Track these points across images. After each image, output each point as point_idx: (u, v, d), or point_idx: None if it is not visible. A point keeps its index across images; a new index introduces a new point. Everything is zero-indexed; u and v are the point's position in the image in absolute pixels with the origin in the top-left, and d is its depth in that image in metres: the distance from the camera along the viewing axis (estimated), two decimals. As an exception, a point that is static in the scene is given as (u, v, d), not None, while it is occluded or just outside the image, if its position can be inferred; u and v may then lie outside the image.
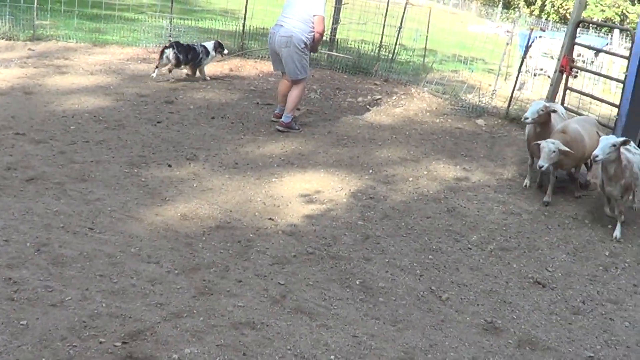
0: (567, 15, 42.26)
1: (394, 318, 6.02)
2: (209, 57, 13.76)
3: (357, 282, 6.56)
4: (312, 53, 11.59)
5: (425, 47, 18.28)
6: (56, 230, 6.78)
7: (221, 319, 5.60)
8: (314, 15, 10.83)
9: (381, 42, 16.69)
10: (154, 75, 13.27)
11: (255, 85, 14.01)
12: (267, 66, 15.66)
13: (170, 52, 13.09)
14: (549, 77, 15.93)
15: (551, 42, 19.25)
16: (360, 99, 13.68)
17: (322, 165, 9.71)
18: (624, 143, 8.14)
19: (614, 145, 7.98)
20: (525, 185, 9.67)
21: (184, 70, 13.69)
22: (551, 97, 12.77)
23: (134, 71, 14.06)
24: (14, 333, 5.02)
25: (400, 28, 16.61)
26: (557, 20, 44.91)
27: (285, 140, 10.56)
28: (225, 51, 14.23)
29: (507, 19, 43.30)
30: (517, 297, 6.73)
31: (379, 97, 13.93)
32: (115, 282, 5.94)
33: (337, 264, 6.89)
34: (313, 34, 10.90)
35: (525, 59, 15.00)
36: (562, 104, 12.67)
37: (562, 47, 12.90)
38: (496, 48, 20.07)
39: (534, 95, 15.86)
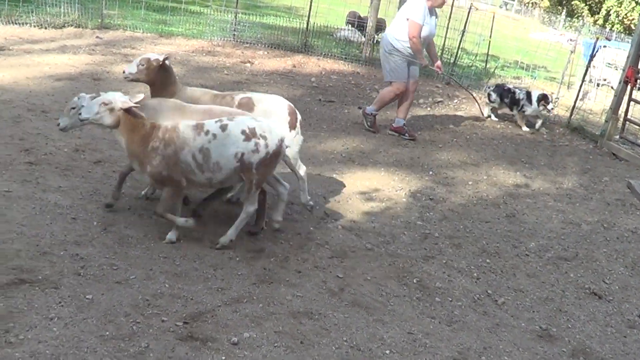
0: (632, 26, 41.65)
1: (449, 318, 6.06)
2: (532, 107, 13.05)
3: (415, 281, 6.61)
4: (423, 66, 11.62)
5: (488, 52, 18.23)
6: (122, 212, 6.94)
7: (280, 306, 5.69)
8: (407, 19, 10.76)
9: (444, 45, 16.70)
10: (485, 114, 13.48)
11: (318, 83, 14.09)
12: (329, 64, 15.81)
13: (493, 94, 13.24)
14: (612, 87, 15.82)
15: (616, 52, 19.01)
16: (421, 100, 13.72)
17: (382, 164, 9.79)
18: None
19: None
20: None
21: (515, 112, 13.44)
22: (614, 108, 12.69)
23: (198, 63, 14.23)
24: (79, 306, 5.15)
25: (463, 32, 16.61)
26: (622, 30, 44.27)
27: (346, 137, 10.64)
28: (550, 105, 13.17)
29: (570, 27, 42.83)
30: (573, 306, 6.70)
31: (441, 99, 13.98)
32: (178, 265, 6.07)
33: (395, 261, 6.94)
34: (407, 39, 10.79)
35: (589, 69, 14.89)
36: (626, 115, 12.60)
37: (628, 57, 12.77)
38: (559, 56, 19.96)
39: (596, 105, 15.75)
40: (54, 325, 4.85)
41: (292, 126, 7.29)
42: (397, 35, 10.79)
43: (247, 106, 7.15)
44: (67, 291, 5.31)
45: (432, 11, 10.93)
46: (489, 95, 13.23)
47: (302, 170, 7.54)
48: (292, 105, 7.46)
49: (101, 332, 4.88)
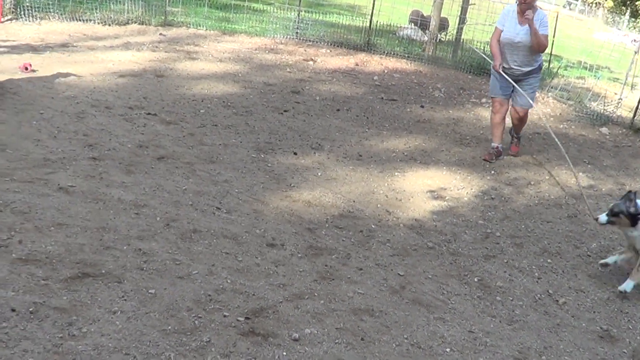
0: (699, 28, 41.02)
1: (510, 317, 6.03)
2: None
3: (476, 280, 6.59)
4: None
5: (551, 52, 18.03)
6: (185, 207, 7.00)
7: (341, 303, 5.70)
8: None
9: (507, 44, 16.57)
10: None
11: (380, 81, 14.08)
12: (392, 62, 15.80)
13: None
14: (677, 90, 15.61)
15: (682, 54, 18.76)
16: (484, 100, 13.63)
17: (444, 163, 9.76)
18: None
19: None
20: None
21: None
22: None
23: (261, 60, 14.30)
24: (142, 300, 5.20)
25: (527, 31, 16.45)
26: (687, 32, 43.63)
27: (408, 136, 10.64)
28: None
29: (634, 27, 42.29)
30: (634, 307, 6.62)
31: (503, 99, 13.85)
32: (240, 261, 6.10)
33: (457, 260, 6.93)
34: None
35: (653, 69, 14.71)
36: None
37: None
38: (622, 57, 19.68)
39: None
40: (116, 319, 4.89)
41: None
42: None
43: None
44: (130, 285, 5.36)
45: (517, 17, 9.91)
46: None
47: None
48: None
49: (163, 327, 4.92)
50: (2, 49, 12.22)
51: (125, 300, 5.15)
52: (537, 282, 6.79)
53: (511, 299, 6.36)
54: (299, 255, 6.42)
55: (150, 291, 5.34)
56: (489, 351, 5.42)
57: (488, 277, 6.69)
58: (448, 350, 5.33)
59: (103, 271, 5.47)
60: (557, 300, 6.47)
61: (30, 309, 4.78)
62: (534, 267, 7.09)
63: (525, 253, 7.37)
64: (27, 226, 5.95)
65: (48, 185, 6.86)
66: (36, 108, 9.09)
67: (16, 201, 6.37)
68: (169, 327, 4.92)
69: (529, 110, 10.44)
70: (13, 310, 4.74)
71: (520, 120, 10.52)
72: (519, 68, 9.95)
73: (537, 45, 9.67)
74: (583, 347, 5.76)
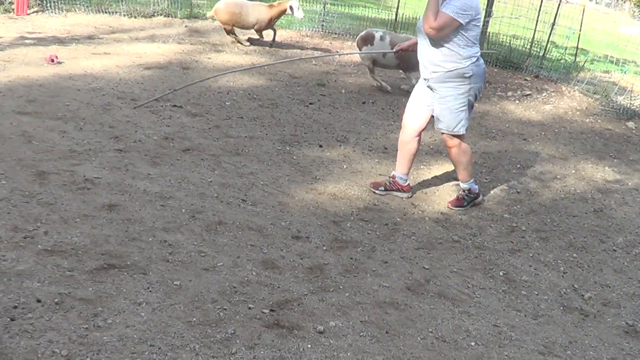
0: None
1: (535, 312, 5.99)
2: None
3: (501, 274, 6.56)
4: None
5: (577, 46, 17.94)
6: (210, 199, 7.02)
7: (366, 296, 5.69)
8: None
9: (533, 37, 16.51)
10: None
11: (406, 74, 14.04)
12: (416, 56, 15.69)
13: None
14: None
15: None
16: (510, 93, 13.58)
17: (470, 156, 9.72)
18: None
19: None
20: None
21: None
22: None
23: (287, 53, 14.32)
24: (167, 292, 5.22)
25: (553, 25, 16.39)
26: None
27: (434, 129, 10.59)
28: None
29: (661, 22, 42.02)
30: (661, 302, 6.60)
31: (529, 92, 13.80)
32: (265, 253, 6.11)
33: (482, 253, 6.91)
34: None
35: (681, 64, 14.62)
36: None
37: None
38: (650, 51, 19.57)
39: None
40: (142, 310, 4.92)
41: None
42: None
43: None
44: (155, 277, 5.39)
45: None
46: None
47: None
48: None
49: (188, 318, 4.94)
50: (28, 41, 12.30)
51: (150, 291, 5.17)
52: (562, 276, 6.75)
53: (536, 293, 6.33)
54: (324, 247, 6.43)
55: (175, 283, 5.36)
56: (513, 345, 5.39)
57: (513, 271, 6.66)
58: (473, 344, 5.31)
59: (128, 263, 5.50)
60: (583, 295, 6.43)
61: (56, 300, 4.81)
62: (559, 261, 7.05)
63: (550, 247, 7.34)
64: (53, 217, 5.99)
65: (74, 176, 6.89)
66: (62, 100, 9.15)
67: (42, 192, 6.41)
68: (194, 319, 4.94)
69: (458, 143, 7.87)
70: (38, 301, 4.77)
71: (449, 153, 8.00)
72: (424, 68, 7.56)
73: (426, 27, 7.16)
74: (608, 342, 5.72)
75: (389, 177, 8.05)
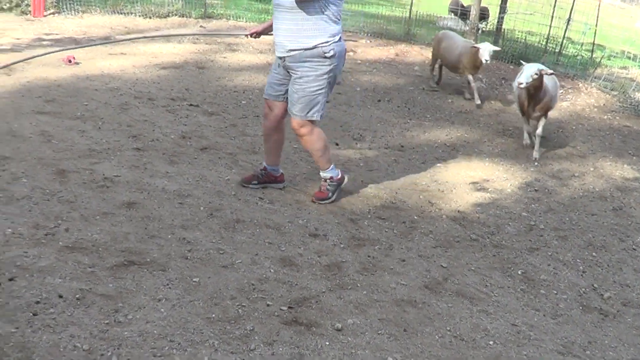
0: None
1: (554, 311, 5.97)
2: None
3: (519, 272, 6.54)
4: None
5: (594, 42, 17.88)
6: (228, 197, 7.03)
7: (384, 294, 5.69)
8: None
9: (549, 33, 16.47)
10: None
11: (421, 71, 14.05)
12: (432, 53, 15.68)
13: None
14: None
15: None
16: (527, 91, 13.55)
17: (487, 154, 9.72)
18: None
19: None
20: (526, 144, 10.25)
21: None
22: None
23: (302, 51, 14.30)
24: (187, 289, 5.23)
25: (569, 20, 16.34)
26: None
27: (450, 127, 10.62)
28: None
29: (678, 18, 41.81)
30: (681, 302, 6.57)
31: (545, 90, 13.76)
32: (283, 250, 6.12)
33: (500, 252, 6.89)
34: None
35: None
36: None
37: None
38: (667, 47, 19.51)
39: None
40: (161, 307, 4.93)
41: None
42: None
43: None
44: (174, 274, 5.40)
45: None
46: None
47: None
48: None
49: (207, 315, 4.94)
50: (45, 42, 12.36)
51: (169, 288, 5.18)
52: (581, 275, 6.73)
53: (555, 292, 6.31)
54: (342, 245, 6.43)
55: (194, 280, 5.37)
56: (532, 345, 5.38)
57: (532, 270, 6.65)
58: (491, 343, 5.30)
59: (148, 259, 5.51)
60: (602, 295, 6.41)
61: (77, 296, 4.83)
62: (578, 260, 7.03)
63: (569, 246, 7.32)
64: (73, 215, 6.02)
65: (93, 175, 6.92)
66: (80, 100, 9.19)
67: (62, 190, 6.44)
68: (213, 315, 4.94)
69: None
70: (60, 296, 4.79)
71: (302, 142, 7.45)
72: (280, 47, 6.85)
73: None
74: (628, 343, 5.70)
75: (260, 169, 7.50)
